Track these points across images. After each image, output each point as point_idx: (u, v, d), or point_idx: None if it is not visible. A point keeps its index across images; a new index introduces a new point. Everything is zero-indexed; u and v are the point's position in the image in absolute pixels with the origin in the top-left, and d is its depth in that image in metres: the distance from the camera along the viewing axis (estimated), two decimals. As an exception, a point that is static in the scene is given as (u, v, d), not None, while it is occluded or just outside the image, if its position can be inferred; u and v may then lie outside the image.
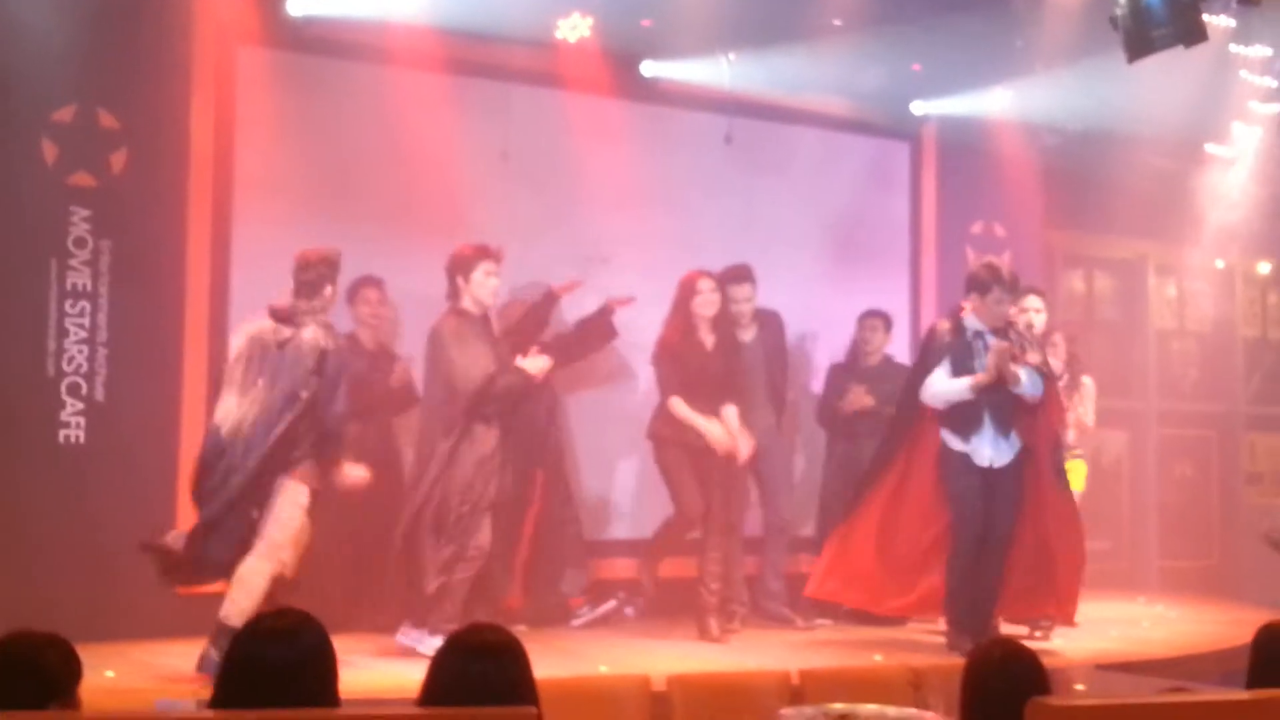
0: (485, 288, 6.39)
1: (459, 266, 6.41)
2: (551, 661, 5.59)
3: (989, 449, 6.40)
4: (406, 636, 6.18)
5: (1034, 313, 7.37)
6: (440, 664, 2.71)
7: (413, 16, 7.18)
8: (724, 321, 7.17)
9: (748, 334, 7.51)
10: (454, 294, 6.43)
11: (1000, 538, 6.41)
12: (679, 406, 6.93)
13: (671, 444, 6.99)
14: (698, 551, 7.02)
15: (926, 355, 6.69)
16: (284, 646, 2.60)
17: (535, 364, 6.44)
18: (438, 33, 7.27)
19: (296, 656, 2.60)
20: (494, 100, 7.78)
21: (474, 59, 7.65)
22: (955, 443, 6.46)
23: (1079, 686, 5.36)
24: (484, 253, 6.42)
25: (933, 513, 6.56)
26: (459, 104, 7.55)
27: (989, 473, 6.41)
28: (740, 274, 7.38)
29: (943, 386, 6.45)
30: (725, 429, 6.97)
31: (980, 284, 6.52)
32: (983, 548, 6.39)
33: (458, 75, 7.60)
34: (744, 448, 7.00)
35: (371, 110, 7.34)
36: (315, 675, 2.62)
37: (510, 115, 7.83)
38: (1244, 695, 2.83)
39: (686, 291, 7.03)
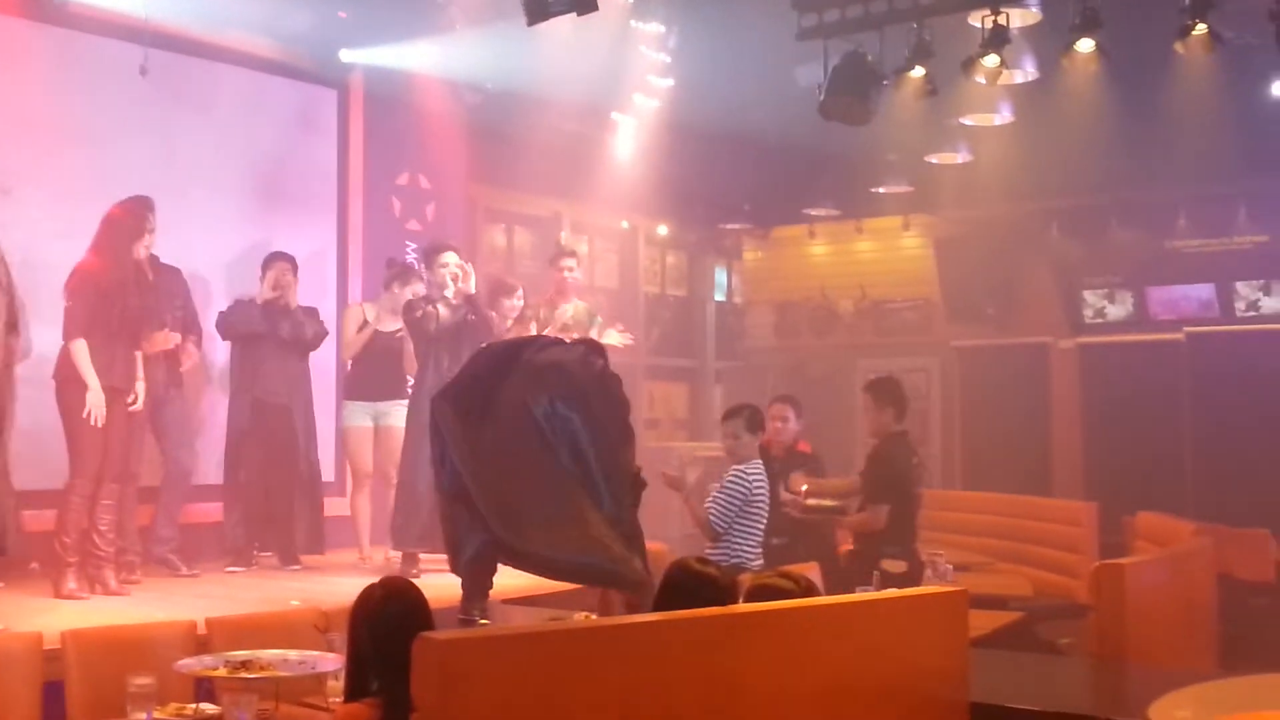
0: None
1: None
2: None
3: None
4: None
5: (455, 267, 7.65)
6: None
7: None
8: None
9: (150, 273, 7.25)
10: None
11: None
12: (80, 352, 6.60)
13: (76, 385, 6.62)
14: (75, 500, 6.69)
15: None
16: None
17: None
18: None
19: None
20: None
21: None
22: None
23: (483, 620, 5.66)
24: None
25: None
26: None
27: None
28: (142, 203, 7.10)
29: None
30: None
31: None
32: None
33: None
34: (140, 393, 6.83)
35: None
36: None
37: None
38: (618, 621, 3.16)
39: (121, 228, 6.71)
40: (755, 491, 6.34)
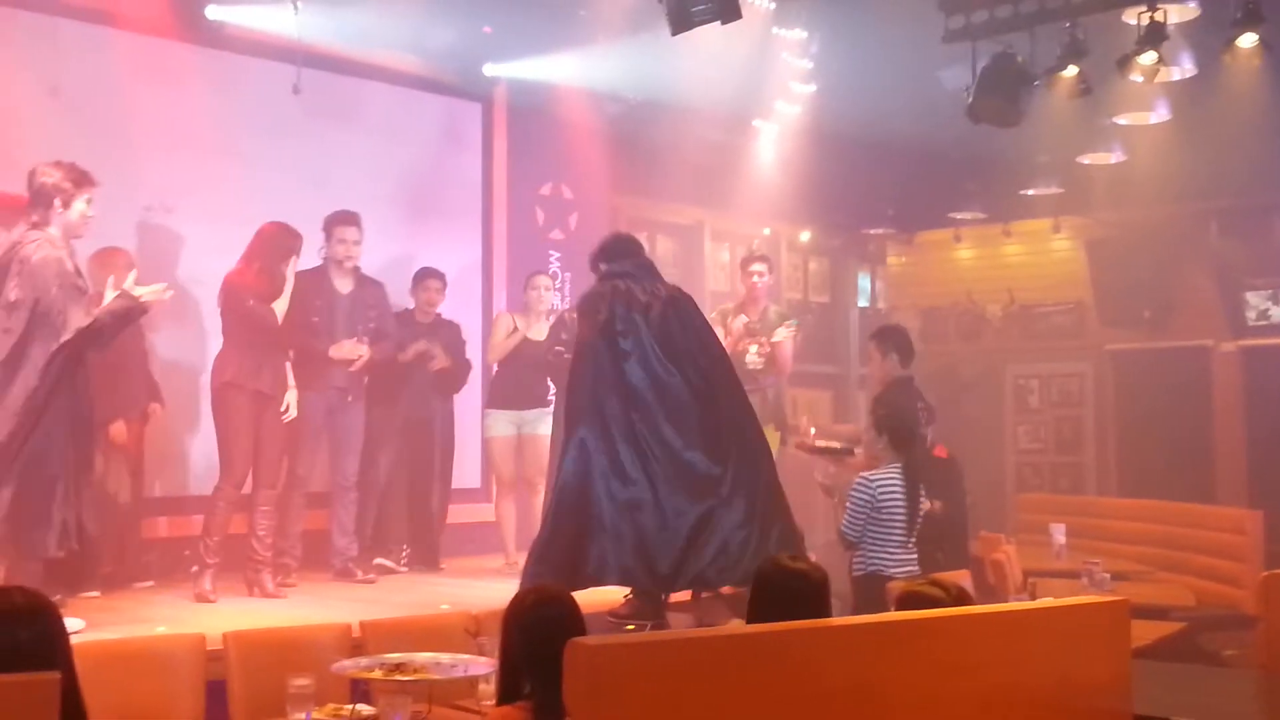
0: None
1: None
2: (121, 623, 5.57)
3: None
4: None
5: None
6: None
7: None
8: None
9: (346, 284, 7.49)
10: None
11: None
12: None
13: (233, 391, 6.81)
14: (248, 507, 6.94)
15: None
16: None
17: None
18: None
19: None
20: (41, 35, 7.27)
21: (16, -12, 7.14)
22: None
23: (630, 626, 5.68)
24: None
25: None
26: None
27: None
28: (349, 217, 7.48)
29: None
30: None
31: None
32: None
33: (-3, 5, 7.07)
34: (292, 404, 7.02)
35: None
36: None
37: (60, 50, 7.34)
38: (755, 628, 3.14)
39: (284, 248, 6.94)
40: (882, 498, 6.15)
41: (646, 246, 10.82)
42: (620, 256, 6.19)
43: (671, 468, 5.75)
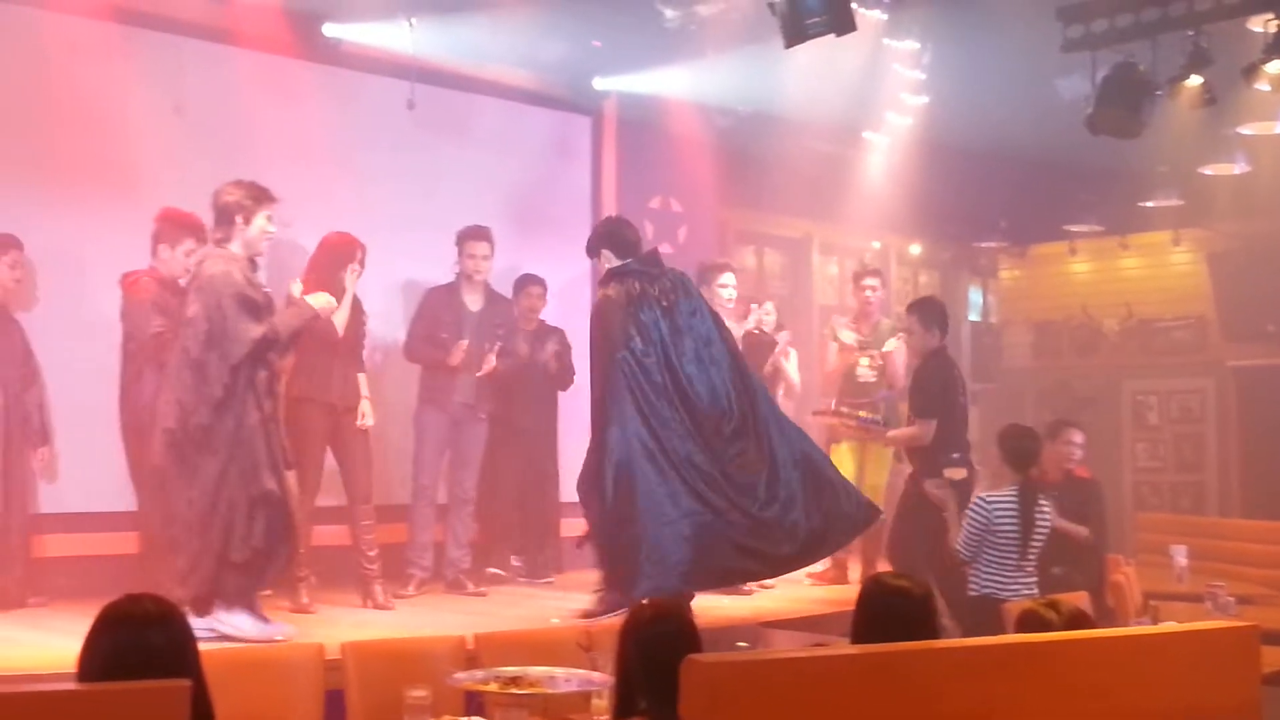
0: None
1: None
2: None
3: None
4: None
5: (732, 289, 7.96)
6: (96, 635, 2.65)
7: (74, -41, 6.81)
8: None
9: (477, 301, 7.61)
10: None
11: None
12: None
13: (305, 405, 6.86)
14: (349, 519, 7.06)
15: None
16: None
17: None
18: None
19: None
20: (164, 53, 7.47)
21: (140, 8, 7.33)
22: None
23: (741, 644, 5.65)
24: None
25: None
26: (124, 55, 7.20)
27: None
28: (480, 232, 7.59)
29: None
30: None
31: None
32: None
33: (123, 24, 7.26)
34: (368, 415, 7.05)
35: (26, 57, 6.91)
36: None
37: (183, 70, 7.53)
38: (869, 648, 3.09)
39: (344, 256, 6.97)
40: (997, 520, 6.04)
41: (754, 260, 10.95)
42: (628, 249, 6.23)
43: (709, 470, 5.79)
